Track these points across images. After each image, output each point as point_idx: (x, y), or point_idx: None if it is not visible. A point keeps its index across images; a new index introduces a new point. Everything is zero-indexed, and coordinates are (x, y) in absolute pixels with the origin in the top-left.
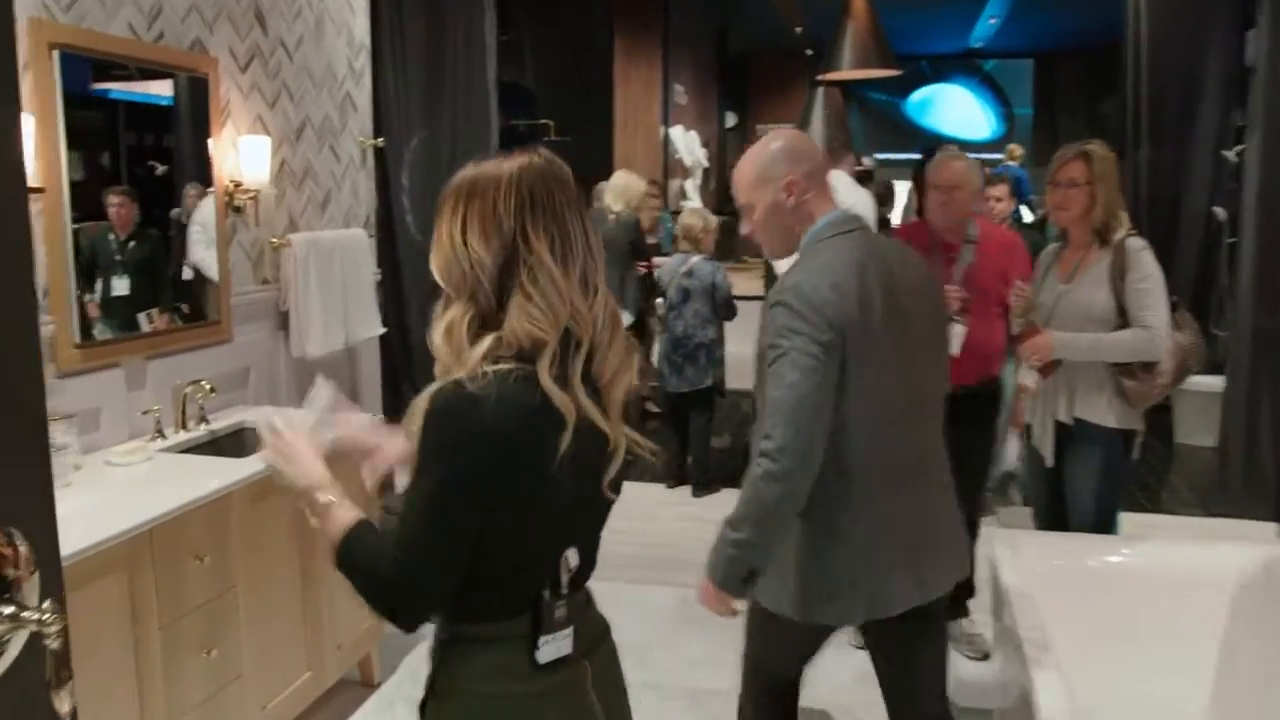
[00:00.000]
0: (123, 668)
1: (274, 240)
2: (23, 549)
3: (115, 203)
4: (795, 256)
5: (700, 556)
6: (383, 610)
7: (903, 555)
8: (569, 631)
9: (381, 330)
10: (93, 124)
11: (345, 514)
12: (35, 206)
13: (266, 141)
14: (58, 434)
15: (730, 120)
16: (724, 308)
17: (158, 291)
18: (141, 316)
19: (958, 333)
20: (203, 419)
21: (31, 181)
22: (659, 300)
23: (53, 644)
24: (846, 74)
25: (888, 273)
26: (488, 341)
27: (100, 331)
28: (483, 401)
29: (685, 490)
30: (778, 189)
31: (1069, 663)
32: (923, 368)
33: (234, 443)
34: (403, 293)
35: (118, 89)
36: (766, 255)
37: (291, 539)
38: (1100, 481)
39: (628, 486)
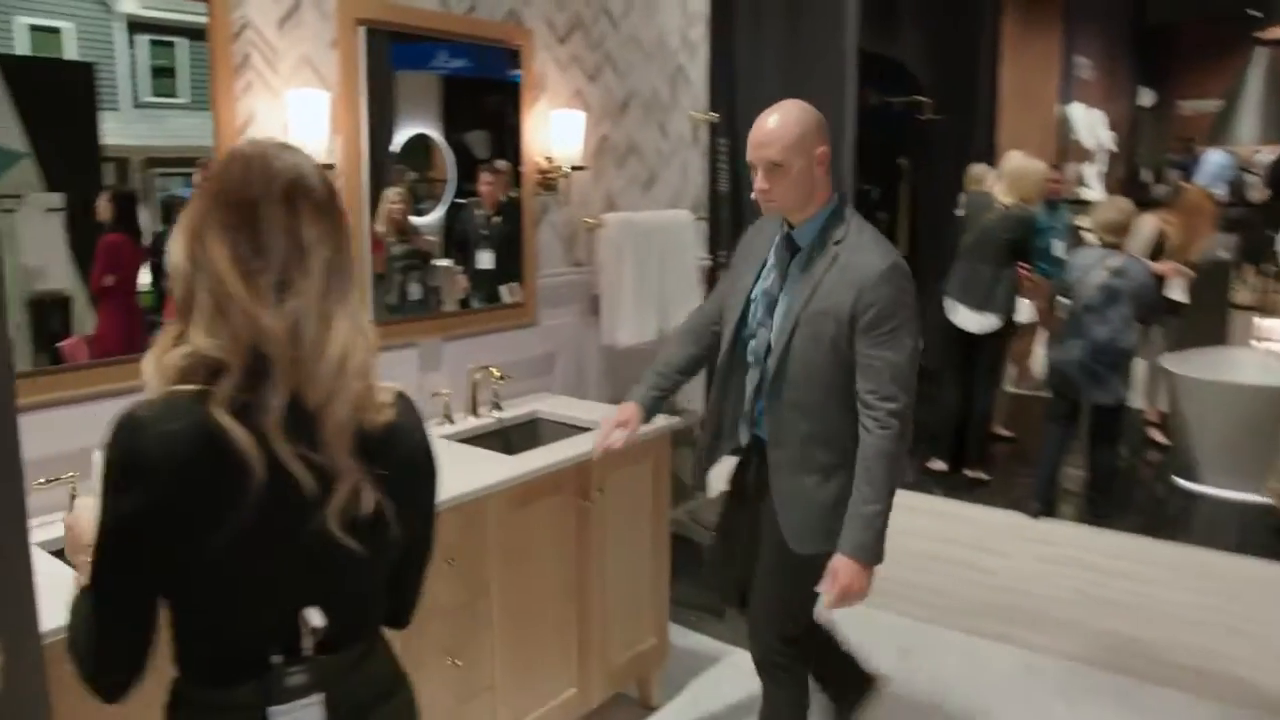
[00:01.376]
0: None
1: (587, 221)
2: None
3: (487, 180)
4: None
5: (1058, 609)
6: (81, 678)
7: None
8: (315, 700)
9: None
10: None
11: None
12: (337, 183)
13: (582, 117)
14: None
15: (1146, 97)
16: (1153, 310)
17: (518, 266)
18: (504, 289)
19: None
20: (495, 405)
21: (326, 158)
22: (1062, 299)
23: None
24: None
25: None
26: (175, 355)
27: (473, 301)
28: (147, 427)
29: (1051, 523)
30: (813, 158)
31: None
32: None
33: (524, 433)
34: None
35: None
36: (776, 211)
37: (560, 548)
38: None
39: (976, 513)
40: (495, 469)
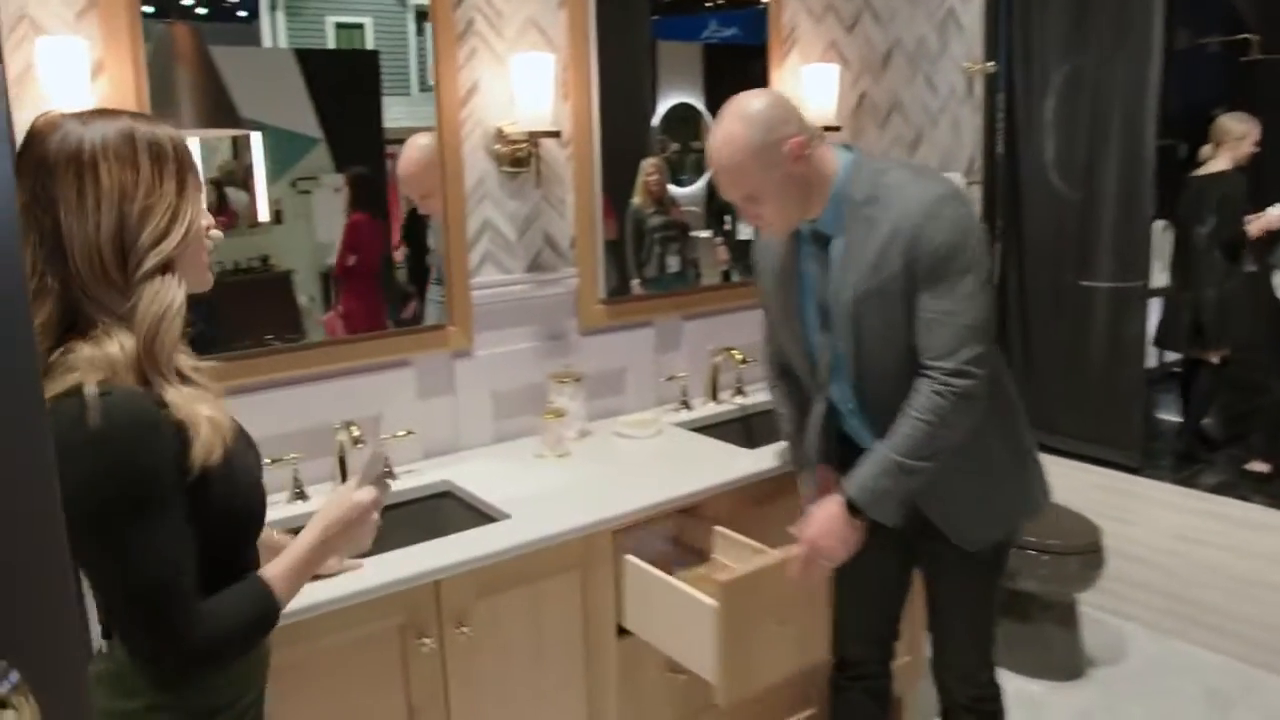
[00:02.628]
0: (571, 677)
1: None
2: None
3: None
4: None
5: None
6: None
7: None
8: None
9: None
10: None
11: None
12: (564, 151)
13: (835, 71)
14: (562, 397)
15: None
16: None
17: None
18: None
19: None
20: (738, 390)
21: (550, 125)
22: None
23: None
24: None
25: None
26: None
27: (733, 274)
28: None
29: None
30: (785, 162)
31: None
32: None
33: (766, 423)
34: (1021, 254)
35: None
36: (783, 233)
37: None
38: None
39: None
40: (730, 463)
